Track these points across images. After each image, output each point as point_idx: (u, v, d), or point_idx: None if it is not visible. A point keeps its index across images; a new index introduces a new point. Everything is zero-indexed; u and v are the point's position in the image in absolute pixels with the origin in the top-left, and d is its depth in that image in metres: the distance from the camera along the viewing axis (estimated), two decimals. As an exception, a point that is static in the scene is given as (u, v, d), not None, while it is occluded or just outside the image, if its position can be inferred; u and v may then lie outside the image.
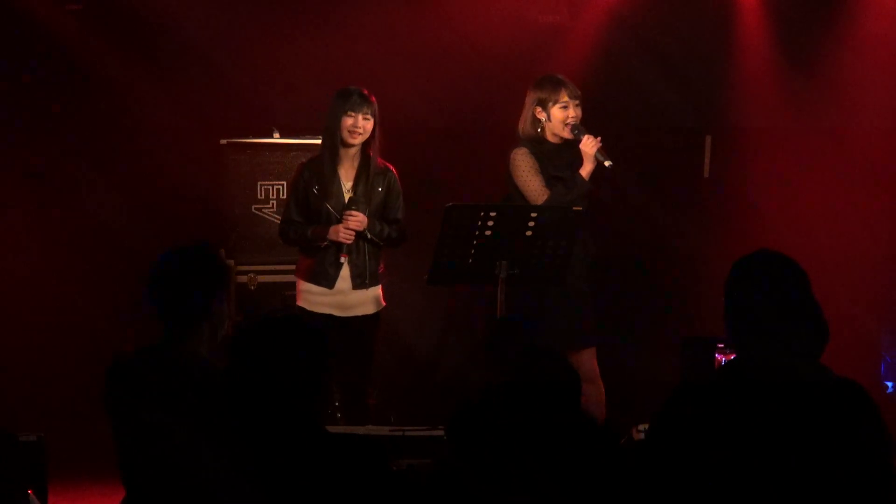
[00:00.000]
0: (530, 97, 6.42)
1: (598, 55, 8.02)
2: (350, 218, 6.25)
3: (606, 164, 6.23)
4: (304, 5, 7.98)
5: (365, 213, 6.27)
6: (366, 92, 6.31)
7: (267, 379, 3.21)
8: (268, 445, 3.18)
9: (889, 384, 7.98)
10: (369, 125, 6.28)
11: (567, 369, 3.82)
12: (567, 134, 6.36)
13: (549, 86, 6.39)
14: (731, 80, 8.17)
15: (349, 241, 6.25)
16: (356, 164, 6.35)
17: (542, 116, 6.38)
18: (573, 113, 6.37)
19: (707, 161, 8.27)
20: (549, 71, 6.57)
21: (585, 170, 6.26)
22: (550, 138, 6.41)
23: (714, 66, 8.17)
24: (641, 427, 4.91)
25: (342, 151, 6.34)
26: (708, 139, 8.28)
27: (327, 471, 3.17)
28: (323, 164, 6.33)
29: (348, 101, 6.27)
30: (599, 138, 6.27)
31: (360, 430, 5.60)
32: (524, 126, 6.43)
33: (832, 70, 8.01)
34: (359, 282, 6.32)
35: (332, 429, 3.40)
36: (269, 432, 3.19)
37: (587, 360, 6.42)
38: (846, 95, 8.02)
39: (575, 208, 6.08)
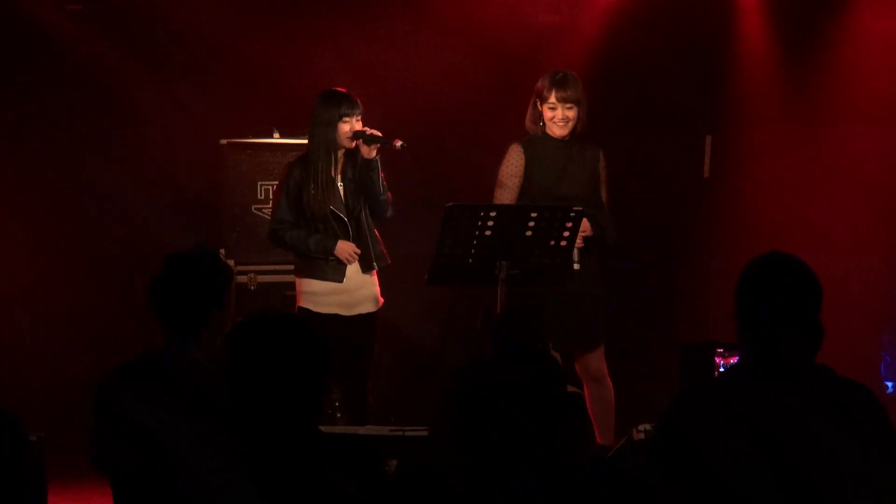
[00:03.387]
0: (534, 90, 6.43)
1: (598, 55, 8.01)
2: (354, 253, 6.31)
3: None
4: (303, 6, 7.98)
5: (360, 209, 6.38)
6: (349, 92, 6.39)
7: (265, 379, 3.19)
8: (265, 446, 3.17)
9: (889, 384, 7.98)
10: (360, 126, 6.32)
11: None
12: (556, 132, 6.36)
13: (546, 83, 6.40)
14: (731, 80, 8.16)
15: (350, 263, 6.35)
16: (343, 159, 6.41)
17: (540, 111, 6.39)
18: (560, 115, 6.36)
19: (707, 161, 8.26)
20: (551, 70, 6.55)
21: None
22: (551, 133, 6.41)
23: (714, 66, 8.17)
24: (641, 427, 4.91)
25: (336, 153, 6.38)
26: (708, 139, 8.27)
27: (321, 472, 3.16)
28: (318, 166, 6.34)
29: (342, 106, 6.30)
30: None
31: (360, 430, 5.59)
32: (527, 119, 6.44)
33: (832, 70, 8.01)
34: (366, 266, 6.38)
35: (332, 429, 3.39)
36: (267, 433, 3.17)
37: (595, 360, 6.44)
38: (846, 95, 8.01)
39: (575, 208, 6.08)
